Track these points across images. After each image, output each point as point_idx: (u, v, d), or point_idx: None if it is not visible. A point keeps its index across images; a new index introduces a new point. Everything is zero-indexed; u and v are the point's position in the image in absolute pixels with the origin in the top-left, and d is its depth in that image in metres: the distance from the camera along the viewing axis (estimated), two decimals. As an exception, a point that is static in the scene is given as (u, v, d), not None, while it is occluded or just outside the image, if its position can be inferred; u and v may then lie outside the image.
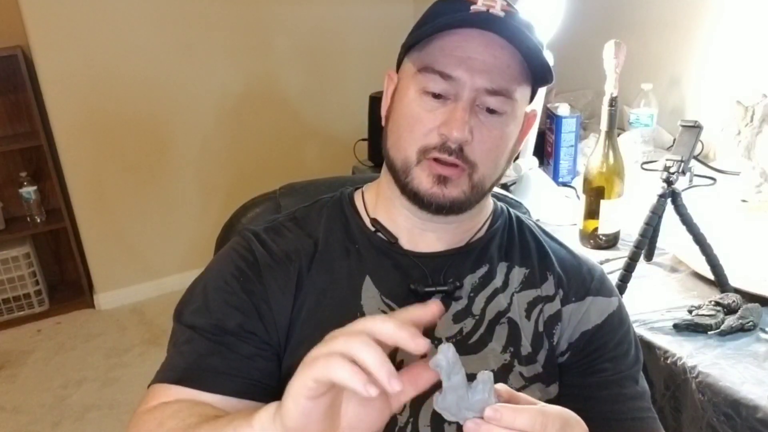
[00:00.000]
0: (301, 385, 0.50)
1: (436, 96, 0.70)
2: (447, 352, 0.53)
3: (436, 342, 0.74)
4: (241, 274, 0.75)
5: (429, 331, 0.74)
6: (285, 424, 0.51)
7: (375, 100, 1.97)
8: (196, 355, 0.71)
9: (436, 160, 0.70)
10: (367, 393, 0.47)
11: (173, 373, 0.70)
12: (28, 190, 2.62)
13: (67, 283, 2.92)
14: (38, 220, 2.67)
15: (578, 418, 0.59)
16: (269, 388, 0.72)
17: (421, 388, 0.54)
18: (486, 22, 0.68)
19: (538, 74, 0.72)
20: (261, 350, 0.72)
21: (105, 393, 2.27)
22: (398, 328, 0.50)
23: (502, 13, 0.69)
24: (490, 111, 0.70)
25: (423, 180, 0.71)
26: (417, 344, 0.50)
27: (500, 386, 0.56)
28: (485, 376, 0.54)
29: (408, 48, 0.75)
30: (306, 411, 0.50)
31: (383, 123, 0.78)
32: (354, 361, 0.48)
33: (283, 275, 0.75)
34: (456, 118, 0.68)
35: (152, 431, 0.63)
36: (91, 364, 2.44)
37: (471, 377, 0.55)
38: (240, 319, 0.72)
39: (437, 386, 0.55)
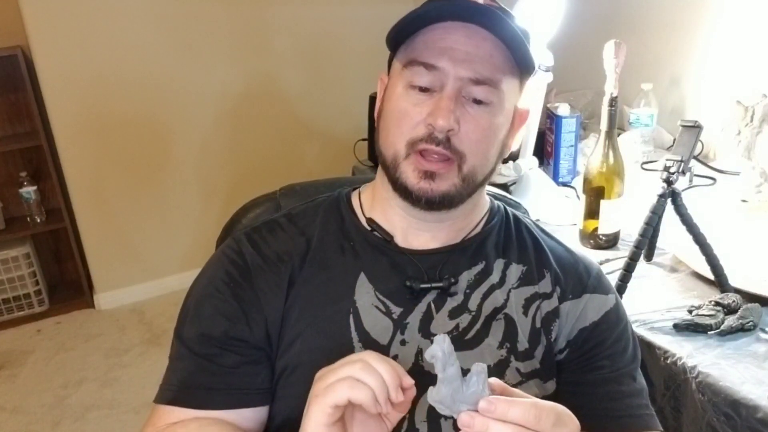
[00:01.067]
0: (320, 413, 0.56)
1: (423, 90, 0.71)
2: (443, 342, 0.54)
3: (431, 339, 0.74)
4: (231, 279, 0.76)
5: (425, 328, 0.74)
6: None
7: (375, 100, 1.96)
8: (186, 373, 0.74)
9: (423, 152, 0.71)
10: (376, 410, 0.57)
11: (169, 392, 0.74)
12: (28, 190, 2.62)
13: (67, 283, 2.92)
14: (38, 220, 2.67)
15: (570, 413, 0.59)
16: (260, 393, 0.74)
17: (404, 412, 0.62)
18: (467, 13, 0.69)
19: (522, 64, 0.73)
20: (247, 357, 0.74)
21: (105, 393, 2.27)
22: (390, 373, 0.58)
23: (484, 6, 0.70)
24: (477, 102, 0.71)
25: (410, 175, 0.72)
26: (398, 395, 0.58)
27: (493, 380, 0.57)
28: (479, 367, 0.54)
29: (394, 47, 0.76)
30: None
31: (376, 124, 0.79)
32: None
33: (274, 276, 0.76)
34: (441, 107, 0.69)
35: None
36: (91, 364, 2.44)
37: (467, 373, 0.55)
38: (226, 326, 0.74)
39: (430, 384, 0.56)
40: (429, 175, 0.71)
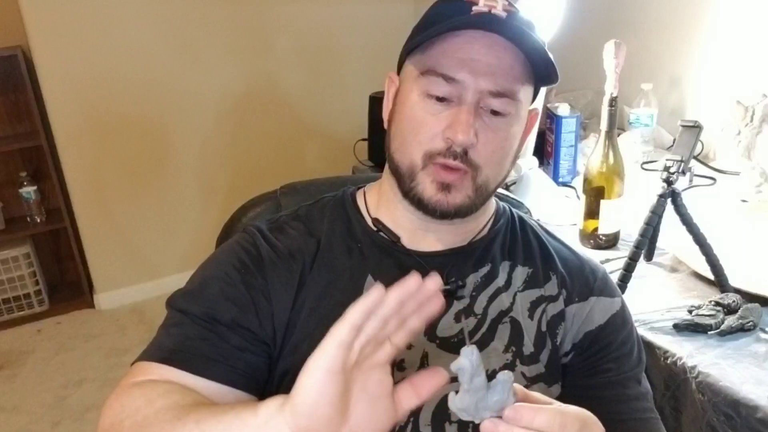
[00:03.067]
0: (321, 355, 0.51)
1: (440, 99, 0.70)
2: (471, 355, 0.53)
3: (437, 342, 0.74)
4: (243, 266, 0.75)
5: (431, 330, 0.74)
6: (296, 404, 0.51)
7: (375, 100, 1.97)
8: (184, 338, 0.70)
9: (442, 165, 0.70)
10: (381, 293, 0.51)
11: (160, 352, 0.69)
12: (28, 190, 2.62)
13: (67, 283, 2.92)
14: (38, 220, 2.67)
15: (596, 419, 0.59)
16: (255, 382, 0.71)
17: (424, 398, 0.55)
18: (488, 23, 0.67)
19: (540, 73, 0.72)
20: (251, 345, 0.71)
21: (105, 393, 2.27)
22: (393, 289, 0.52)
23: (504, 13, 0.68)
24: (494, 113, 0.70)
25: (427, 186, 0.71)
26: (428, 285, 0.52)
27: (515, 385, 0.56)
28: (506, 376, 0.53)
29: (409, 49, 0.74)
30: (322, 387, 0.50)
31: (386, 125, 0.78)
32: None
33: (286, 272, 0.75)
34: (461, 121, 0.68)
35: (141, 408, 0.62)
36: (91, 364, 2.44)
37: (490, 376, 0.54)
38: (234, 313, 0.71)
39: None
40: (445, 187, 0.70)
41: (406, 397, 0.55)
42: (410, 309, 0.52)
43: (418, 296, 0.52)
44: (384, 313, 0.51)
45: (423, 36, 0.70)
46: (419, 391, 0.55)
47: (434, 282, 0.52)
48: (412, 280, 0.51)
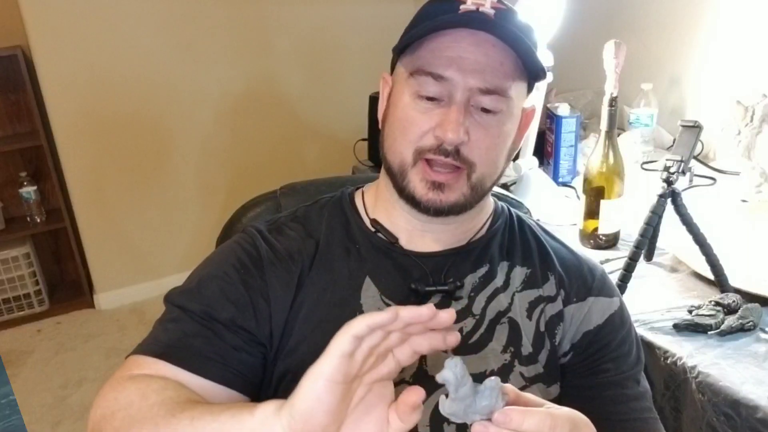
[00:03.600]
0: (323, 363, 0.50)
1: (430, 99, 0.70)
2: (455, 368, 0.53)
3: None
4: (243, 266, 0.75)
5: None
6: (295, 408, 0.51)
7: (375, 100, 1.96)
8: (181, 334, 0.70)
9: (430, 161, 0.70)
10: (395, 315, 0.49)
11: (156, 346, 0.69)
12: (28, 190, 2.62)
13: (67, 283, 2.92)
14: (38, 220, 2.67)
15: (587, 420, 0.59)
16: (249, 383, 0.71)
17: (406, 419, 0.54)
18: (475, 21, 0.67)
19: (532, 69, 0.72)
20: (248, 345, 0.71)
21: (105, 393, 2.27)
22: (394, 310, 0.50)
23: (491, 11, 0.68)
24: (486, 110, 0.70)
25: (417, 185, 0.71)
26: (441, 316, 0.50)
27: (507, 386, 0.56)
28: (493, 382, 0.53)
29: (400, 52, 0.74)
30: (321, 395, 0.50)
31: (380, 126, 0.78)
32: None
33: (285, 273, 0.75)
34: (450, 119, 0.68)
35: (135, 402, 0.62)
36: (91, 364, 2.44)
37: (472, 377, 0.55)
38: (233, 312, 0.71)
39: (433, 388, 0.55)
40: (437, 186, 0.70)
41: (394, 419, 0.55)
42: (416, 330, 0.52)
43: (428, 324, 0.51)
44: (388, 328, 0.51)
45: (410, 36, 0.71)
46: (402, 417, 0.55)
47: (449, 315, 0.51)
48: (427, 309, 0.50)
